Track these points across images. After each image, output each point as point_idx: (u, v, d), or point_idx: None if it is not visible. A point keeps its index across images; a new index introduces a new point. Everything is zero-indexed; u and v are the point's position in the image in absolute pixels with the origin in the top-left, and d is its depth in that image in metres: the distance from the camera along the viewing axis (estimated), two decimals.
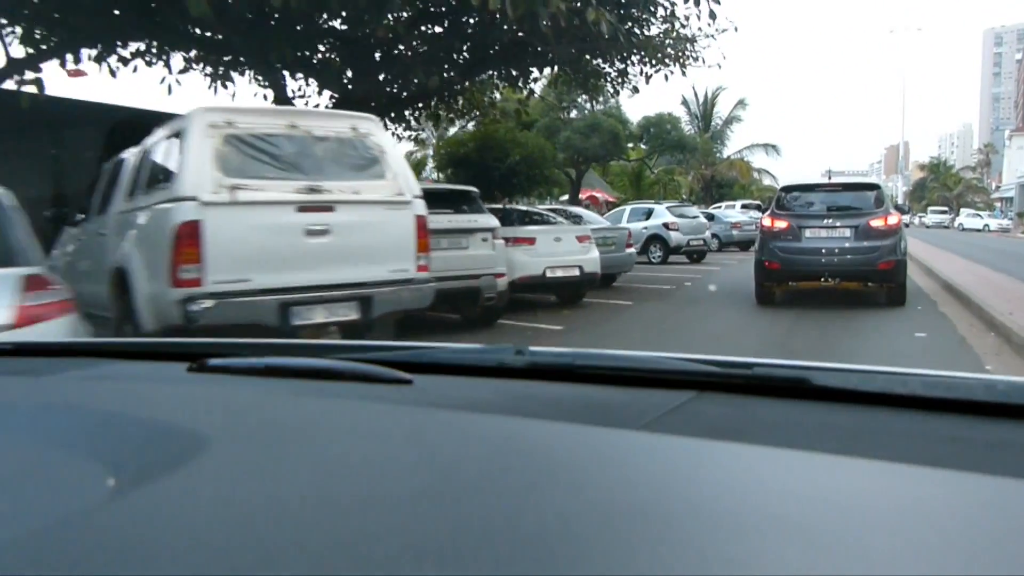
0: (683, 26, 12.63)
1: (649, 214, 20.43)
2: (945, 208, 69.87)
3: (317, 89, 13.02)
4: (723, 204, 35.19)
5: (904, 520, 0.55)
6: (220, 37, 10.97)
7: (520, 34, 10.82)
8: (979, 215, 60.05)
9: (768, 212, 10.80)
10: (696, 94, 45.44)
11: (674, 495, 0.61)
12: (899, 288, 9.90)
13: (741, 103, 44.58)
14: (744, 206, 33.51)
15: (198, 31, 10.89)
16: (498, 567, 0.46)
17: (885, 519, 0.55)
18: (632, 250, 13.66)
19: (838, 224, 9.88)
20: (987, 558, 0.49)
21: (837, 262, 9.72)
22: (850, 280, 9.97)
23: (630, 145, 27.58)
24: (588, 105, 25.93)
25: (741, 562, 0.48)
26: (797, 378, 1.04)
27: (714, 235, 26.53)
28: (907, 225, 58.03)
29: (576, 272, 10.19)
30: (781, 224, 10.05)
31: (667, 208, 20.45)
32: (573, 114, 26.16)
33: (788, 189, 10.91)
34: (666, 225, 19.94)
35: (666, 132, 26.29)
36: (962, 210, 65.19)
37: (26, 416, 0.88)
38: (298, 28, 10.63)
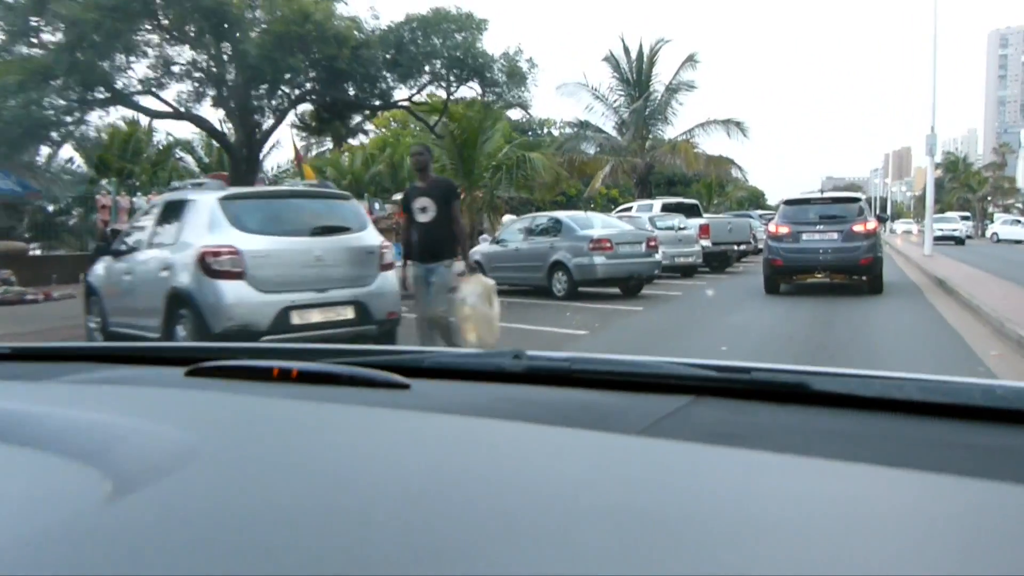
0: None
1: (176, 223, 6.22)
2: (967, 214, 55.26)
3: None
4: (634, 205, 21.13)
5: (902, 526, 0.55)
6: None
7: None
8: (1020, 221, 45.52)
9: (773, 220, 13.23)
10: (627, 49, 31.29)
11: (671, 500, 0.61)
12: (876, 279, 12.06)
13: (691, 60, 30.38)
14: (666, 208, 19.43)
15: None
16: (494, 571, 0.47)
17: (883, 525, 0.55)
18: None
19: (828, 229, 12.07)
20: (985, 564, 0.49)
21: (827, 259, 11.91)
22: (838, 273, 12.11)
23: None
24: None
25: (738, 567, 0.48)
26: (795, 383, 1.04)
27: (556, 265, 12.46)
28: (961, 241, 38.94)
29: None
30: (784, 230, 12.25)
31: (222, 201, 6.11)
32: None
33: (790, 203, 13.20)
34: (206, 263, 5.71)
35: (449, 43, 11.86)
36: (996, 216, 50.66)
37: (24, 420, 0.88)
38: None
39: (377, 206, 24.88)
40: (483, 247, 14.88)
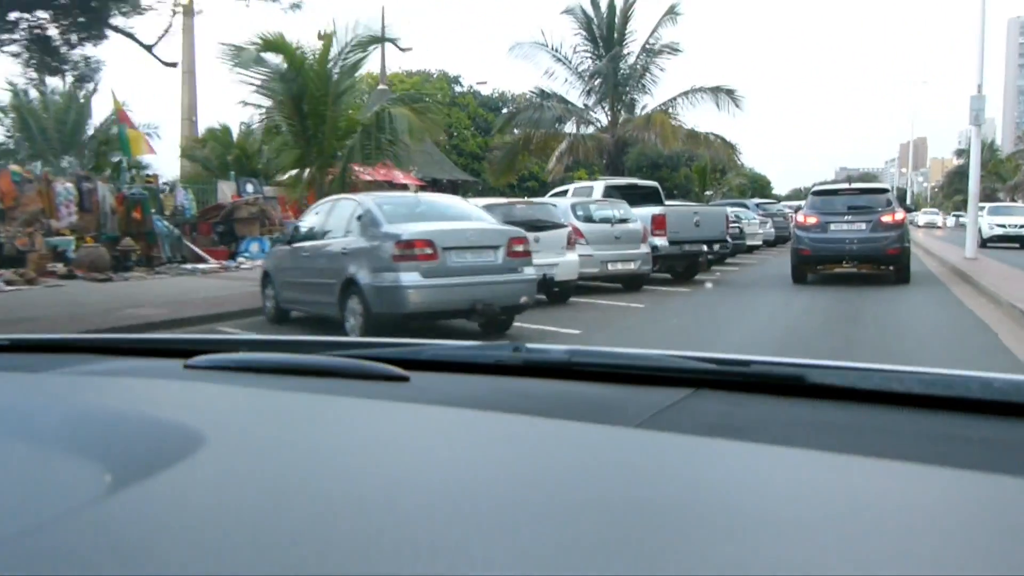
0: None
1: None
2: (1020, 203, 48.20)
3: None
4: (571, 187, 15.54)
5: (901, 518, 0.56)
6: None
7: None
8: None
9: (801, 210, 13.62)
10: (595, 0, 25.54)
11: (670, 493, 0.61)
12: (904, 269, 12.36)
13: (672, 13, 24.63)
14: (614, 191, 13.91)
15: None
16: (493, 564, 0.47)
17: (882, 517, 0.55)
18: None
19: (856, 219, 12.25)
20: (983, 557, 0.49)
21: (855, 249, 12.20)
22: (865, 263, 12.44)
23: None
24: None
25: (737, 560, 0.48)
26: (794, 375, 1.05)
27: (350, 285, 6.92)
28: None
29: None
30: (812, 220, 12.48)
31: None
32: None
33: (818, 193, 13.46)
34: None
35: None
36: None
37: (22, 412, 0.87)
38: None
39: (251, 187, 19.25)
40: (276, 248, 9.40)
